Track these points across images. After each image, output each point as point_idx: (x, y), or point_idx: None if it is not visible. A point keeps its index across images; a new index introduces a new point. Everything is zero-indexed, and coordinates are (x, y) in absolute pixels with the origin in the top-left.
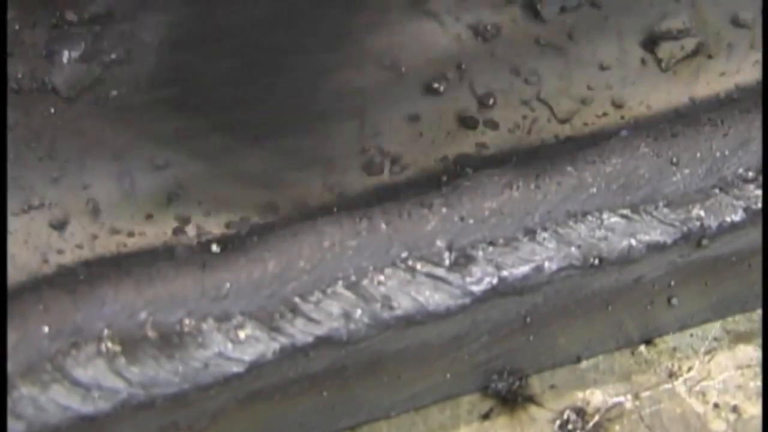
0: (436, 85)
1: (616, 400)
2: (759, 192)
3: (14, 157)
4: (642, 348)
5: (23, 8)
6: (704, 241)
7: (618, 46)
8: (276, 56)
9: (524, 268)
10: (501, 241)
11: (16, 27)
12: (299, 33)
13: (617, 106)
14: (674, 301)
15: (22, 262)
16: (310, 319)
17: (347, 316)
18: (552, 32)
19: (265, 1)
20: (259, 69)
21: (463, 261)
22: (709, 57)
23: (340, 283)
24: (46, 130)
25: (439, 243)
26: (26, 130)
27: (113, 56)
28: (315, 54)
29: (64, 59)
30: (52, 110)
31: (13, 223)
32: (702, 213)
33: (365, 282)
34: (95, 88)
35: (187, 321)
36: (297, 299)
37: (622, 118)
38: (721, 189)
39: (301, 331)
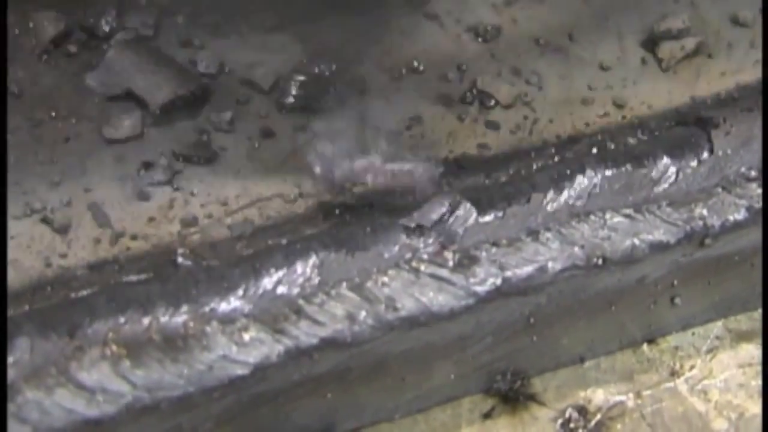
0: (436, 87)
1: (617, 398)
2: (761, 190)
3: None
4: (644, 347)
5: None
6: (707, 241)
7: (618, 46)
8: None
9: (528, 269)
10: (504, 241)
11: None
12: None
13: (618, 106)
14: (677, 300)
15: (25, 266)
16: (315, 321)
17: (351, 317)
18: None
19: None
20: None
21: (466, 262)
22: (710, 56)
23: (344, 284)
24: None
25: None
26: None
27: None
28: None
29: None
30: None
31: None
32: (705, 212)
33: (369, 283)
34: None
35: (191, 324)
36: (301, 301)
37: (623, 118)
38: (723, 188)
39: (305, 333)
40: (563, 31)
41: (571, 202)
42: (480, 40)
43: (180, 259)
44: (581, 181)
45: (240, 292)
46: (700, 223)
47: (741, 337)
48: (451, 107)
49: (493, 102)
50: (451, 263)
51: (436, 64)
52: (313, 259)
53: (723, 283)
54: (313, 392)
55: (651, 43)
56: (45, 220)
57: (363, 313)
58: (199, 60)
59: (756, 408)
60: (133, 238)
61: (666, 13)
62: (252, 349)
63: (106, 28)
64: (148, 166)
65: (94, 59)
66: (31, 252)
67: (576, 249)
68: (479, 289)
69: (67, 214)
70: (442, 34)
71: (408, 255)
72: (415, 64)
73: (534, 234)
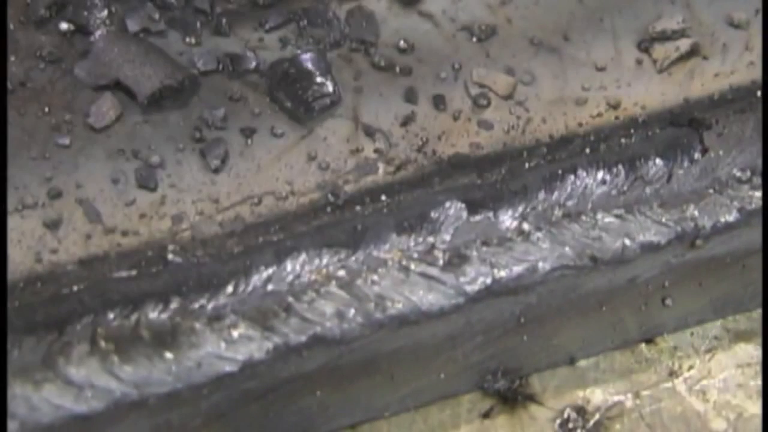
0: (430, 86)
1: (616, 398)
2: (753, 192)
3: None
4: (642, 346)
5: None
6: (698, 242)
7: (613, 47)
8: None
9: (518, 268)
10: (495, 240)
11: None
12: None
13: (612, 106)
14: (668, 301)
15: (16, 261)
16: (304, 319)
17: (341, 315)
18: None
19: None
20: None
21: (456, 261)
22: (704, 58)
23: (334, 282)
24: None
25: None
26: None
27: None
28: None
29: None
30: None
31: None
32: (696, 213)
33: (359, 281)
34: None
35: (180, 320)
36: (290, 299)
37: (617, 118)
38: (715, 189)
39: (294, 331)
40: (558, 31)
41: (562, 201)
42: (474, 39)
43: (170, 256)
44: (573, 181)
45: (229, 289)
46: (692, 224)
47: (739, 337)
48: (445, 107)
49: (486, 102)
50: (441, 262)
51: (430, 63)
52: (303, 257)
53: (715, 285)
54: (302, 389)
55: (646, 44)
56: (36, 216)
57: (352, 311)
58: (195, 55)
59: (754, 408)
60: (124, 234)
61: (661, 14)
62: (241, 346)
63: (97, 21)
64: (139, 162)
65: (84, 50)
66: (22, 247)
67: (566, 249)
68: (469, 288)
69: (58, 210)
70: (437, 33)
71: (398, 253)
72: (410, 63)
73: (525, 234)
